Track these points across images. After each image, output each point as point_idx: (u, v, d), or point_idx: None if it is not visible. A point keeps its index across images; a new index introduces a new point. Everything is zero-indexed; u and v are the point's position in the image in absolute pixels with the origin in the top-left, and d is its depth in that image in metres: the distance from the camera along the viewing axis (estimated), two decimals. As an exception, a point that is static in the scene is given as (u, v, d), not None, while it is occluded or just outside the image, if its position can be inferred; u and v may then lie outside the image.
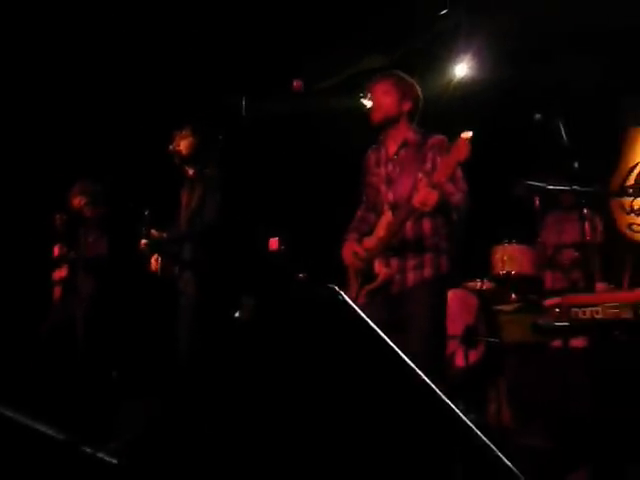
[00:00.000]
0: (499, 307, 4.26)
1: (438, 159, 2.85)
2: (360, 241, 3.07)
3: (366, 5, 5.24)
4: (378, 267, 2.94)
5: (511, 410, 3.69)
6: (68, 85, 5.35)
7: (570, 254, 4.36)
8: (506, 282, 4.41)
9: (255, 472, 1.48)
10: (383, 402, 1.43)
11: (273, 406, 1.49)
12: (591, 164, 5.06)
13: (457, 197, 2.87)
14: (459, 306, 4.21)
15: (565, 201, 4.62)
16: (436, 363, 2.84)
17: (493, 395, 3.88)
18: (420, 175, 2.79)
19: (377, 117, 3.05)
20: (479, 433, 1.39)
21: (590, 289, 3.30)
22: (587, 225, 4.26)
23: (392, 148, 3.06)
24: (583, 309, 2.67)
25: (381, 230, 2.95)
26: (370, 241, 3.01)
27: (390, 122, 3.05)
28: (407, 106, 3.04)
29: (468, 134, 2.64)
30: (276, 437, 1.48)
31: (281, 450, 1.46)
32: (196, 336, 3.36)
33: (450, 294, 4.46)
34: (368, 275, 2.97)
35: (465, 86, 5.70)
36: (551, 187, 3.47)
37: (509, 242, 4.48)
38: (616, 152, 5.38)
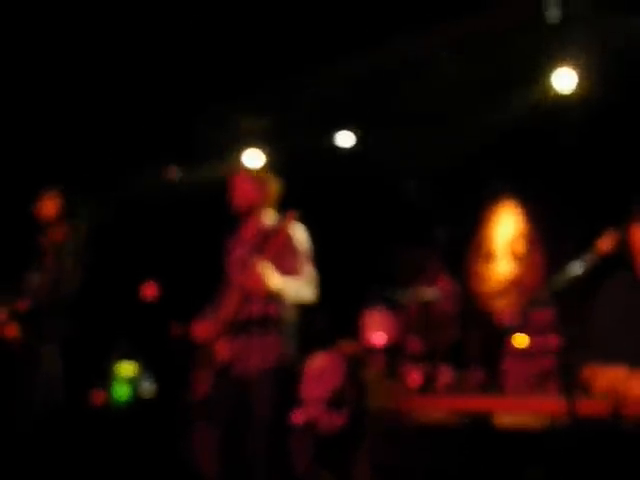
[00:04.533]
0: (366, 371, 4.44)
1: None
2: (216, 319, 3.09)
3: (251, 70, 5.39)
4: (221, 347, 3.00)
5: (371, 472, 3.83)
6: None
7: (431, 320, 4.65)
8: (374, 347, 4.62)
9: None
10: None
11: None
12: (456, 232, 5.43)
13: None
14: (327, 369, 4.35)
15: (431, 269, 4.93)
16: (274, 449, 2.87)
17: (355, 458, 4.00)
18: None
19: (239, 206, 3.19)
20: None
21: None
22: (445, 292, 4.58)
23: (250, 233, 3.18)
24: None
25: (226, 310, 3.03)
26: (218, 320, 3.06)
27: (251, 210, 3.19)
28: (266, 196, 3.21)
29: (294, 214, 2.90)
30: None
31: None
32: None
33: (319, 357, 4.64)
34: (212, 354, 3.01)
35: (337, 156, 5.96)
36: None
37: (377, 307, 4.71)
38: (478, 222, 5.81)
